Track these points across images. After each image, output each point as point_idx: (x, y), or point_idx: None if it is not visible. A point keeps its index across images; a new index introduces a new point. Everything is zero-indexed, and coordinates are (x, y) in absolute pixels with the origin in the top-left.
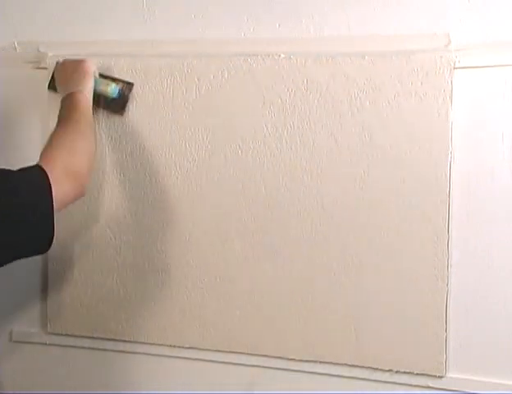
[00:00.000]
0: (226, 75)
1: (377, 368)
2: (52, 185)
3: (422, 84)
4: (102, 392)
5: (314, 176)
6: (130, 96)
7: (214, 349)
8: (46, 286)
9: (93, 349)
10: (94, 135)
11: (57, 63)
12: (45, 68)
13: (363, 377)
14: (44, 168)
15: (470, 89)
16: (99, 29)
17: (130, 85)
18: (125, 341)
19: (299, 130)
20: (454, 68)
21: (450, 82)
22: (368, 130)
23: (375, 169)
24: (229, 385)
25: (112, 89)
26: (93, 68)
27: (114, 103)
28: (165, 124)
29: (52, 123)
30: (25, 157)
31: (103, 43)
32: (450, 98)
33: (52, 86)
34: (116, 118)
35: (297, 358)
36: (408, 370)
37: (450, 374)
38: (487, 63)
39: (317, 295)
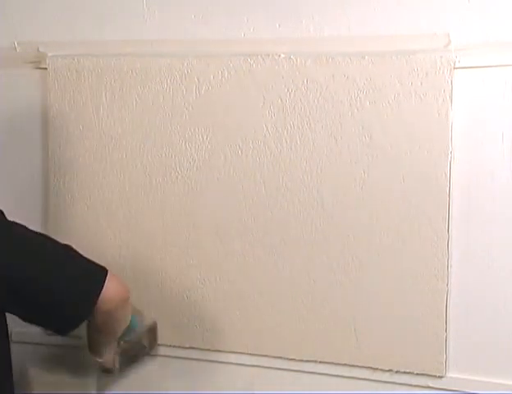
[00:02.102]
0: (226, 75)
1: (377, 368)
2: (106, 283)
3: (422, 84)
4: (101, 392)
5: (314, 176)
6: (146, 322)
7: (214, 349)
8: None
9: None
10: None
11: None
12: (45, 68)
13: (363, 377)
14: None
15: (470, 89)
16: (99, 29)
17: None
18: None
19: (299, 130)
20: (454, 68)
21: (450, 82)
22: (368, 130)
23: (375, 169)
24: (229, 385)
25: (132, 323)
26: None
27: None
28: (165, 124)
29: (52, 124)
30: (25, 157)
31: (103, 43)
32: (450, 98)
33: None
34: (116, 118)
35: (297, 358)
36: (408, 370)
37: (450, 374)
38: (487, 63)
39: (317, 295)
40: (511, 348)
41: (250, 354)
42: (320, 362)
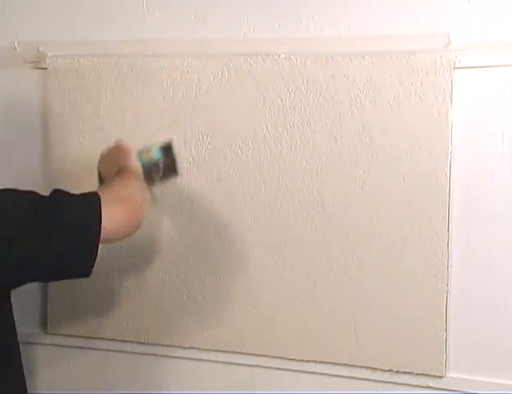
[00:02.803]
0: (226, 75)
1: (377, 368)
2: (103, 208)
3: (422, 84)
4: (101, 392)
5: (314, 176)
6: (175, 154)
7: (214, 349)
8: (46, 286)
9: (92, 349)
10: (147, 203)
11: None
12: (45, 68)
13: (363, 377)
14: (100, 194)
15: (470, 89)
16: (99, 29)
17: (168, 145)
18: (124, 341)
19: (299, 130)
20: (454, 68)
21: (450, 82)
22: (368, 130)
23: (375, 169)
24: (229, 385)
25: (154, 152)
26: (130, 147)
27: (165, 168)
28: (165, 124)
29: (52, 124)
30: (26, 157)
31: (103, 43)
32: (450, 98)
33: (102, 182)
34: (116, 118)
35: (297, 358)
36: (408, 370)
37: (450, 374)
38: (487, 63)
39: (317, 295)
40: (511, 348)
41: (250, 354)
42: (320, 362)
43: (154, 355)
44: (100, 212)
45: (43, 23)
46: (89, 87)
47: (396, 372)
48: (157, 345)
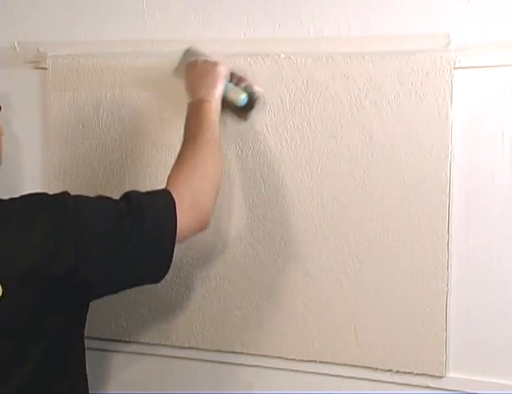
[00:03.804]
0: None
1: (377, 368)
2: (178, 217)
3: (422, 84)
4: (101, 392)
5: (314, 176)
6: (258, 103)
7: (214, 349)
8: None
9: (92, 349)
10: (221, 151)
11: (189, 61)
12: (45, 68)
13: (363, 377)
14: (173, 196)
15: (470, 89)
16: (99, 29)
17: (258, 94)
18: (124, 341)
19: (299, 130)
20: (454, 68)
21: (450, 82)
22: (368, 130)
23: (375, 169)
24: (229, 385)
25: (242, 99)
26: (225, 73)
27: (240, 110)
28: (165, 124)
29: (52, 124)
30: (25, 157)
31: (103, 43)
32: (450, 98)
33: (177, 73)
34: (116, 118)
35: (297, 358)
36: (408, 370)
37: (450, 374)
38: (487, 63)
39: (317, 295)
40: (511, 348)
41: (250, 354)
42: (320, 362)
43: (154, 355)
44: (175, 216)
45: (43, 23)
46: (89, 87)
47: (396, 372)
48: (157, 345)
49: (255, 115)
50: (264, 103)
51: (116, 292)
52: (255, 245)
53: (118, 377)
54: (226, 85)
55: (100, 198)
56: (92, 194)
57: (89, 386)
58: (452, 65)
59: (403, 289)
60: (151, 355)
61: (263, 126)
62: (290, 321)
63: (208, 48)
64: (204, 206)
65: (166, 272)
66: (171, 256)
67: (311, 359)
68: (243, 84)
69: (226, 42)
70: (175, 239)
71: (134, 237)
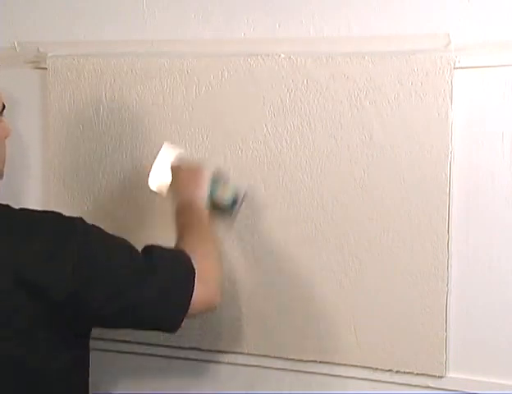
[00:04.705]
0: (226, 75)
1: (377, 368)
2: (196, 286)
3: (422, 84)
4: (101, 392)
5: (314, 176)
6: (242, 202)
7: (214, 349)
8: None
9: (92, 349)
10: (218, 240)
11: (173, 167)
12: (45, 68)
13: (363, 377)
14: (195, 270)
15: (470, 89)
16: (99, 29)
17: (244, 194)
18: (124, 341)
19: (299, 130)
20: (454, 68)
21: (450, 82)
22: (368, 130)
23: (375, 169)
24: (229, 385)
25: (228, 198)
26: (209, 175)
27: (226, 209)
28: (165, 124)
29: (52, 124)
30: (25, 157)
31: (103, 43)
32: (450, 98)
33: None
34: (116, 118)
35: (297, 358)
36: (408, 370)
37: (450, 374)
38: (487, 63)
39: (317, 295)
40: (511, 348)
41: (250, 354)
42: (320, 362)
43: (154, 355)
44: (193, 287)
45: (43, 23)
46: (89, 87)
47: (396, 372)
48: (157, 345)
49: (255, 114)
50: (248, 198)
51: (118, 328)
52: (255, 245)
53: (118, 377)
54: (212, 187)
55: (118, 238)
56: (93, 194)
57: (90, 386)
58: (452, 65)
59: (403, 289)
60: (151, 355)
61: (263, 126)
62: (290, 321)
63: (208, 48)
64: (216, 287)
65: (174, 330)
66: (181, 320)
67: (311, 359)
68: (224, 183)
69: (226, 42)
70: (190, 300)
71: (146, 283)
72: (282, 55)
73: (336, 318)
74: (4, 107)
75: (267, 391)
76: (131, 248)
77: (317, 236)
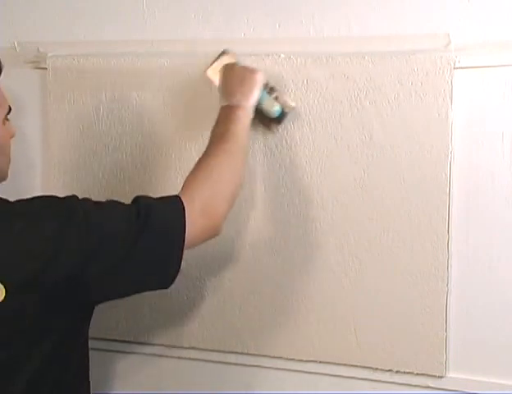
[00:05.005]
0: None
1: (377, 368)
2: (187, 223)
3: (422, 84)
4: (102, 392)
5: (314, 176)
6: (288, 116)
7: (214, 349)
8: None
9: (93, 349)
10: (245, 159)
11: (226, 64)
12: (45, 68)
13: (363, 377)
14: (184, 202)
15: (470, 89)
16: (99, 29)
17: (290, 107)
18: (125, 341)
19: (299, 130)
20: (454, 68)
21: (450, 82)
22: (368, 130)
23: (375, 169)
24: (229, 385)
25: (275, 111)
26: (262, 81)
27: (270, 120)
28: (165, 124)
29: (52, 124)
30: (25, 157)
31: (103, 43)
32: (450, 98)
33: (212, 74)
34: (116, 118)
35: (297, 358)
36: (408, 370)
37: (450, 374)
38: (487, 63)
39: (317, 295)
40: (511, 348)
41: (250, 354)
42: (320, 362)
43: (154, 355)
44: (184, 222)
45: (43, 23)
46: (89, 87)
47: (396, 372)
48: (157, 345)
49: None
50: (296, 116)
51: (123, 297)
52: (255, 245)
53: (118, 377)
54: (262, 95)
55: (110, 202)
56: (93, 195)
57: (90, 386)
58: (452, 65)
59: (403, 289)
60: (151, 355)
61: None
62: (290, 321)
63: (208, 48)
64: (215, 212)
65: (175, 278)
66: (180, 262)
67: (311, 359)
68: (274, 95)
69: (226, 42)
70: (183, 245)
71: (141, 242)
72: (282, 55)
73: (336, 318)
74: (10, 109)
75: (267, 391)
76: (120, 209)
77: (317, 236)
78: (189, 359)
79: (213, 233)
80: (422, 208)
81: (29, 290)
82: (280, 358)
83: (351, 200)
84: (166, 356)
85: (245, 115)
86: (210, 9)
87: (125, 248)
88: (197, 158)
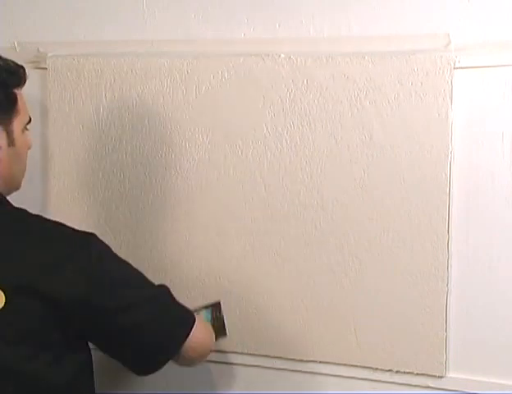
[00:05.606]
0: (226, 75)
1: (377, 368)
2: (193, 330)
3: (422, 84)
4: (102, 392)
5: (314, 176)
6: (223, 315)
7: (214, 349)
8: None
9: (93, 349)
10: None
11: None
12: (45, 68)
13: (363, 377)
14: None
15: (470, 89)
16: (99, 29)
17: (217, 305)
18: None
19: (299, 130)
20: (454, 68)
21: (450, 82)
22: (368, 130)
23: (375, 169)
24: (229, 385)
25: (204, 315)
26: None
27: (214, 330)
28: (165, 124)
29: (52, 124)
30: None
31: (103, 43)
32: (450, 98)
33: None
34: (116, 118)
35: (297, 358)
36: (408, 370)
37: (450, 374)
38: (487, 63)
39: (317, 295)
40: (511, 348)
41: (250, 354)
42: (320, 362)
43: None
44: (192, 326)
45: (43, 23)
46: (89, 87)
47: (396, 372)
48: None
49: (255, 114)
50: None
51: (114, 348)
52: (255, 245)
53: (118, 377)
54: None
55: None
56: (93, 195)
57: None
58: (452, 65)
59: (403, 289)
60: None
61: (263, 126)
62: (290, 321)
63: (208, 48)
64: (208, 349)
65: (159, 365)
66: (173, 354)
67: (311, 359)
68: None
69: (226, 42)
70: (181, 343)
71: (149, 308)
72: (282, 55)
73: (336, 318)
74: (30, 119)
75: (267, 391)
76: (138, 273)
77: (317, 236)
78: None
79: (202, 358)
80: (422, 208)
81: (27, 302)
82: (280, 358)
83: (351, 200)
84: None
85: None
86: (210, 9)
87: (130, 299)
88: (197, 158)
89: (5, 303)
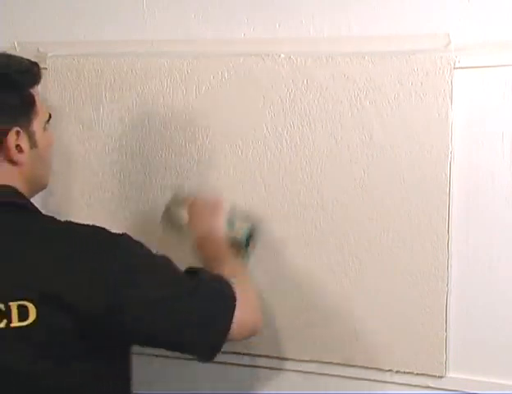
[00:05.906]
0: (226, 75)
1: (377, 368)
2: (237, 313)
3: (422, 84)
4: None
5: (314, 176)
6: (256, 239)
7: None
8: None
9: None
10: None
11: (189, 202)
12: (45, 68)
13: (363, 377)
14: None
15: (470, 89)
16: (99, 29)
17: (257, 229)
18: None
19: (299, 130)
20: (454, 68)
21: (450, 82)
22: (368, 130)
23: (375, 169)
24: (229, 385)
25: (243, 236)
26: (225, 211)
27: (239, 244)
28: (165, 124)
29: (52, 123)
30: None
31: (103, 43)
32: (450, 98)
33: (166, 218)
34: (116, 118)
35: (297, 358)
36: (408, 370)
37: (450, 374)
38: (487, 63)
39: (317, 295)
40: (511, 348)
41: (250, 354)
42: (320, 362)
43: (154, 355)
44: (233, 314)
45: (43, 23)
46: (89, 87)
47: (396, 372)
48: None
49: (255, 114)
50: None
51: (152, 346)
52: (255, 245)
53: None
54: (228, 220)
55: (160, 256)
56: (93, 195)
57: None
58: (452, 65)
59: (403, 289)
60: (151, 355)
61: (263, 126)
62: (290, 321)
63: (208, 48)
64: (256, 314)
65: (213, 354)
66: (220, 343)
67: (311, 359)
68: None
69: (226, 42)
70: (229, 327)
71: (186, 304)
72: (282, 55)
73: (336, 317)
74: (50, 116)
75: (267, 391)
76: (173, 267)
77: (317, 236)
78: (189, 359)
79: (251, 333)
80: (422, 208)
81: (58, 313)
82: (280, 358)
83: (351, 200)
84: (166, 356)
85: (220, 241)
86: (210, 9)
87: (172, 295)
88: (197, 158)
89: (36, 316)
